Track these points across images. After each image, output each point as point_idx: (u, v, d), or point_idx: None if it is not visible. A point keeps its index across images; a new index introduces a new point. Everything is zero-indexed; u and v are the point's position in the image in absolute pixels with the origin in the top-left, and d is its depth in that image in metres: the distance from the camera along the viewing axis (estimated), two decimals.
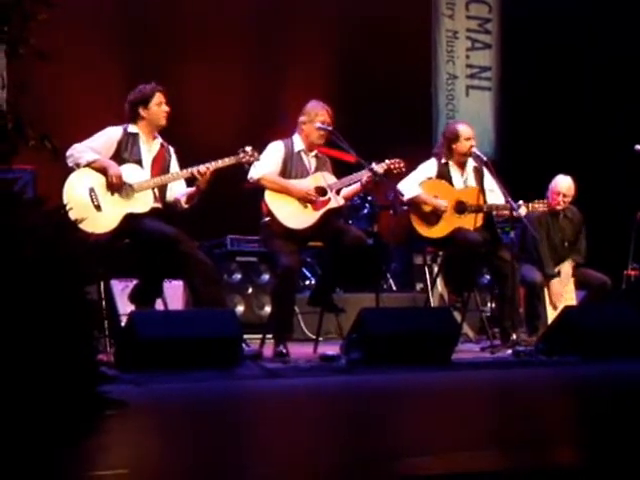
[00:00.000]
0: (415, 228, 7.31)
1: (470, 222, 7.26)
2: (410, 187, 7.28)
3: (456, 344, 6.56)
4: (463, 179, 7.44)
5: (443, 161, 7.43)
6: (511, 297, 7.21)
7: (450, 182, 7.40)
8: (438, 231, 7.29)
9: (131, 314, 5.84)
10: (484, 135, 11.15)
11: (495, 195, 7.34)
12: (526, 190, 7.74)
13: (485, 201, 7.31)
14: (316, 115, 6.78)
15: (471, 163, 7.48)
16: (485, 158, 7.37)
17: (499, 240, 7.41)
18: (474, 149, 7.37)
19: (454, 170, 7.44)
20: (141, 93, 6.48)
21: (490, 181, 7.38)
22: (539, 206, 7.48)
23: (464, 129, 7.47)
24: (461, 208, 7.30)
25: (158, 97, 6.46)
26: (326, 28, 10.24)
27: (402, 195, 7.24)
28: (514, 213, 7.13)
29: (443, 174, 7.41)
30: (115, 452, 3.38)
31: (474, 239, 7.15)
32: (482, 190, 7.35)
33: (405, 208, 7.43)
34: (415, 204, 7.30)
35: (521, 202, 7.32)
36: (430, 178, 7.39)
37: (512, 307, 7.22)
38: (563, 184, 7.97)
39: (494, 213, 7.37)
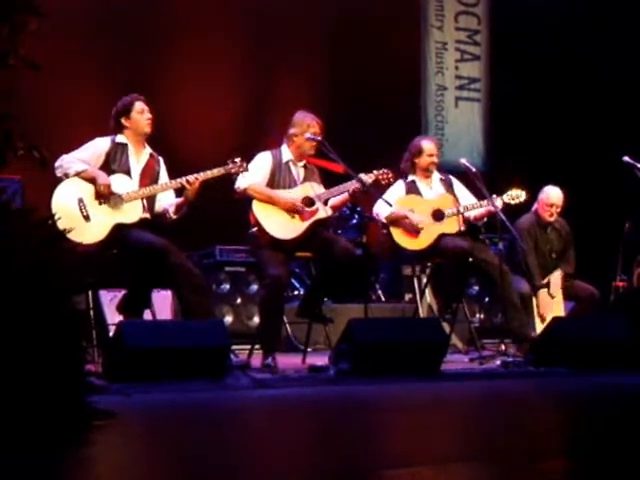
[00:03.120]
0: (399, 244, 7.33)
1: (452, 226, 7.32)
2: (384, 207, 7.26)
3: (445, 355, 6.57)
4: (432, 192, 7.51)
5: (409, 179, 7.51)
6: (509, 298, 7.21)
7: (420, 196, 7.47)
8: (422, 242, 7.31)
9: (119, 324, 5.84)
10: (473, 146, 11.21)
11: (466, 198, 7.44)
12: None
13: (459, 204, 7.39)
14: (308, 126, 6.80)
15: (436, 176, 7.58)
16: (474, 169, 7.40)
17: (484, 243, 7.45)
18: (433, 167, 7.44)
19: (422, 185, 7.54)
20: (122, 104, 6.49)
21: (459, 187, 7.54)
22: (515, 196, 7.47)
23: (427, 145, 7.56)
24: (439, 215, 7.34)
25: (139, 105, 6.46)
26: (315, 40, 10.26)
27: (378, 217, 7.32)
28: (491, 207, 7.18)
29: (412, 191, 7.49)
30: (102, 462, 3.37)
31: (461, 245, 7.19)
32: (455, 197, 7.44)
33: (384, 232, 7.46)
34: (393, 221, 7.33)
35: (494, 195, 7.33)
36: (401, 197, 7.44)
37: (514, 308, 7.21)
38: (554, 195, 8.00)
39: (473, 216, 7.39)
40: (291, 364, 6.68)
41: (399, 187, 7.52)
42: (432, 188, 7.53)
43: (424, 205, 7.40)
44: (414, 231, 7.30)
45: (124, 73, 8.71)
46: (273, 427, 4.28)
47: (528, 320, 7.34)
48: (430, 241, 7.29)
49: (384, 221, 7.34)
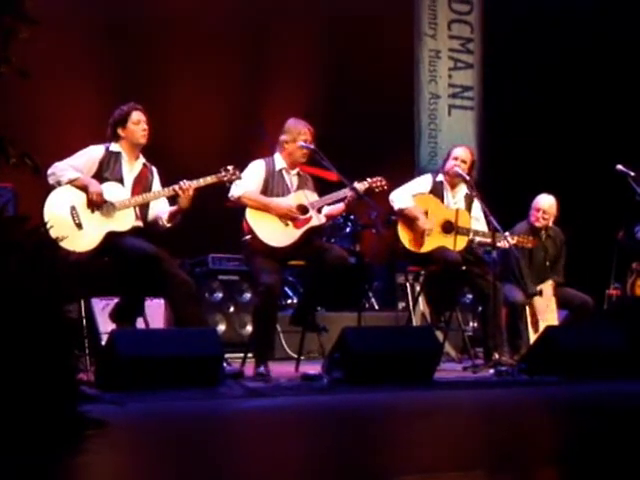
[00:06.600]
0: (400, 239, 7.30)
1: (451, 243, 7.27)
2: (402, 197, 7.30)
3: (438, 363, 6.56)
4: (453, 200, 7.47)
5: (439, 179, 7.48)
6: (493, 316, 7.21)
7: (441, 200, 7.43)
8: (422, 246, 7.28)
9: (112, 333, 5.82)
10: None
11: (480, 225, 7.40)
12: (509, 209, 7.77)
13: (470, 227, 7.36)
14: (299, 134, 6.78)
15: (463, 190, 7.52)
16: (467, 178, 7.39)
17: (483, 261, 7.42)
18: (456, 169, 7.38)
19: (447, 190, 7.50)
20: (119, 113, 6.47)
21: (478, 211, 7.45)
22: (523, 241, 7.51)
23: (455, 150, 7.59)
24: (448, 228, 7.32)
25: (135, 116, 6.44)
26: (308, 47, 10.26)
27: (392, 204, 7.28)
28: (498, 243, 7.16)
29: (436, 191, 7.46)
30: (94, 471, 3.35)
31: (453, 258, 7.17)
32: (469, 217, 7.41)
33: (393, 218, 7.43)
34: (404, 215, 7.31)
35: (507, 233, 7.33)
36: (423, 193, 7.42)
37: (495, 326, 7.22)
38: (543, 201, 8.03)
39: (477, 240, 7.38)
40: (284, 373, 6.67)
41: (426, 181, 7.54)
42: (454, 198, 7.51)
43: (439, 211, 7.38)
44: (420, 234, 7.28)
45: (119, 80, 8.70)
46: (266, 436, 4.27)
47: (504, 344, 7.33)
48: (429, 248, 7.27)
49: (395, 209, 7.33)
